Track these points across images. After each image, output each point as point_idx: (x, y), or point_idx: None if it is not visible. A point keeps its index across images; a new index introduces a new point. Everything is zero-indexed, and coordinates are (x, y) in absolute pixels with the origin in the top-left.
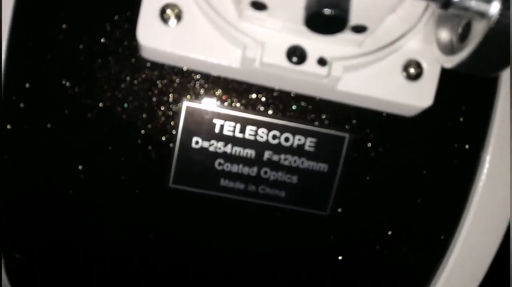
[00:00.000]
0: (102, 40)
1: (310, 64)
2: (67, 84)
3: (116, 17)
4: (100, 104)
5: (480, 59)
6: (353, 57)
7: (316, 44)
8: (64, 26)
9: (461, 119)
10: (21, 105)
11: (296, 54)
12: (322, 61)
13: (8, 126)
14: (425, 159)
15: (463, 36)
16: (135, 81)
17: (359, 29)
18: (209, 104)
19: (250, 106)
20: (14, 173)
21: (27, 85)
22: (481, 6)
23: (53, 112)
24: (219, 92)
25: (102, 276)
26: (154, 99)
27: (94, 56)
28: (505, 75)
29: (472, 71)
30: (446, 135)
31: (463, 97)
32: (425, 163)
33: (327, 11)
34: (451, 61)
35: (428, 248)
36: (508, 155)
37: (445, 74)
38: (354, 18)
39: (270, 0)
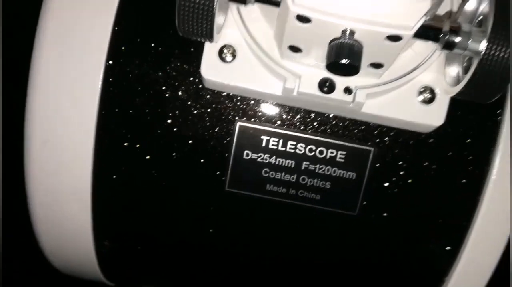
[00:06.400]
0: (173, 73)
1: (338, 93)
2: (147, 110)
3: (184, 56)
4: (174, 128)
5: (473, 89)
6: (374, 86)
7: (342, 77)
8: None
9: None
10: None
11: (327, 85)
12: (348, 90)
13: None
14: (438, 168)
15: (467, 69)
16: (199, 106)
17: (377, 65)
18: (257, 123)
19: (291, 125)
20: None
21: None
22: (475, 46)
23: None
24: (265, 114)
25: (171, 265)
26: (214, 119)
27: (168, 88)
28: None
29: (469, 98)
30: (457, 148)
31: (472, 116)
32: (438, 172)
33: (342, 61)
34: (453, 91)
35: (444, 242)
36: None
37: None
38: (370, 58)
39: (304, 45)
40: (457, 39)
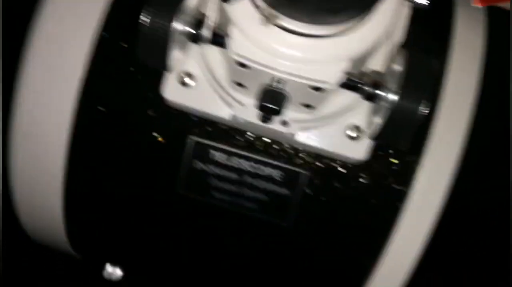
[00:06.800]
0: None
1: (275, 124)
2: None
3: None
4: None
5: (385, 137)
6: (307, 121)
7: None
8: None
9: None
10: None
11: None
12: (284, 123)
13: None
14: (358, 196)
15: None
16: (161, 119)
17: (307, 105)
18: (208, 139)
19: (237, 144)
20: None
21: None
22: (391, 100)
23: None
24: (215, 132)
25: (127, 246)
26: (172, 132)
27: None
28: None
29: (384, 143)
30: (377, 181)
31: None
32: (357, 199)
33: (266, 104)
34: (372, 135)
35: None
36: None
37: None
38: (300, 100)
39: (246, 83)
40: (378, 92)
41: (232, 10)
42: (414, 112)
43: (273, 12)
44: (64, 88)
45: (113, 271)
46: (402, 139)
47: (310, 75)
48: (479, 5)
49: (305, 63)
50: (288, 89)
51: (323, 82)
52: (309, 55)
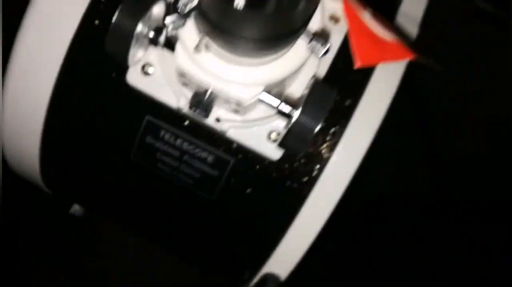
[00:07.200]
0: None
1: (211, 120)
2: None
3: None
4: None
5: (285, 146)
6: (236, 121)
7: (217, 109)
8: None
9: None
10: None
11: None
12: (218, 120)
13: None
14: (268, 186)
15: None
16: (123, 99)
17: (236, 110)
18: (159, 120)
19: (182, 127)
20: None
21: None
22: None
23: None
24: (166, 115)
25: (94, 191)
26: (132, 110)
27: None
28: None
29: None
30: (285, 171)
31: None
32: (267, 188)
33: (192, 108)
34: (278, 142)
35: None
36: None
37: None
38: (229, 107)
39: (188, 84)
40: (285, 109)
41: (181, 29)
42: (309, 128)
43: (208, 40)
44: (50, 62)
45: (78, 209)
46: (298, 149)
47: (231, 93)
48: (360, 66)
49: (228, 83)
50: (217, 98)
51: (241, 100)
52: (232, 77)
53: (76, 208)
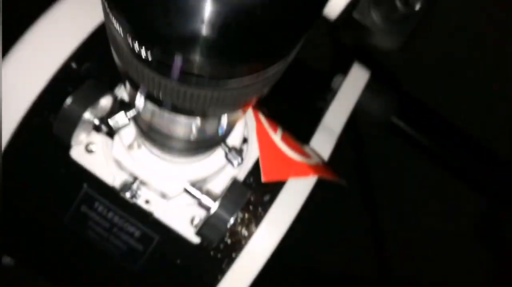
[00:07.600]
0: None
1: (141, 201)
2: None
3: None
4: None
5: (198, 232)
6: (163, 204)
7: (147, 192)
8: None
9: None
10: None
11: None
12: (147, 201)
13: None
14: (187, 261)
15: None
16: (68, 170)
17: (163, 195)
18: (95, 192)
19: (115, 202)
20: None
21: None
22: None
23: None
24: (102, 190)
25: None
26: (74, 180)
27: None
28: None
29: (199, 236)
30: (200, 256)
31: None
32: (186, 263)
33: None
34: (196, 230)
35: None
36: None
37: None
38: (157, 193)
39: (123, 168)
40: (205, 201)
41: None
42: (223, 220)
43: (140, 140)
44: (7, 126)
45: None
46: (213, 238)
47: (157, 185)
48: (266, 181)
49: (155, 176)
50: (146, 185)
51: (165, 193)
52: (159, 172)
53: (7, 260)
